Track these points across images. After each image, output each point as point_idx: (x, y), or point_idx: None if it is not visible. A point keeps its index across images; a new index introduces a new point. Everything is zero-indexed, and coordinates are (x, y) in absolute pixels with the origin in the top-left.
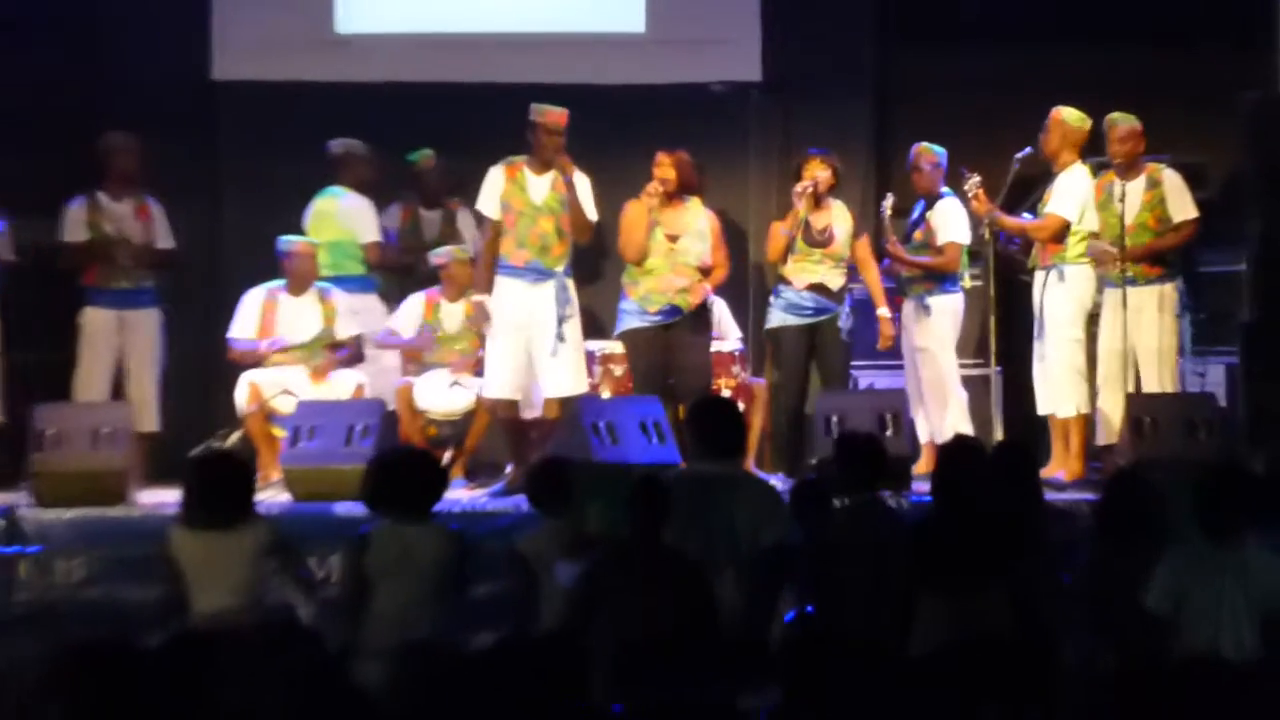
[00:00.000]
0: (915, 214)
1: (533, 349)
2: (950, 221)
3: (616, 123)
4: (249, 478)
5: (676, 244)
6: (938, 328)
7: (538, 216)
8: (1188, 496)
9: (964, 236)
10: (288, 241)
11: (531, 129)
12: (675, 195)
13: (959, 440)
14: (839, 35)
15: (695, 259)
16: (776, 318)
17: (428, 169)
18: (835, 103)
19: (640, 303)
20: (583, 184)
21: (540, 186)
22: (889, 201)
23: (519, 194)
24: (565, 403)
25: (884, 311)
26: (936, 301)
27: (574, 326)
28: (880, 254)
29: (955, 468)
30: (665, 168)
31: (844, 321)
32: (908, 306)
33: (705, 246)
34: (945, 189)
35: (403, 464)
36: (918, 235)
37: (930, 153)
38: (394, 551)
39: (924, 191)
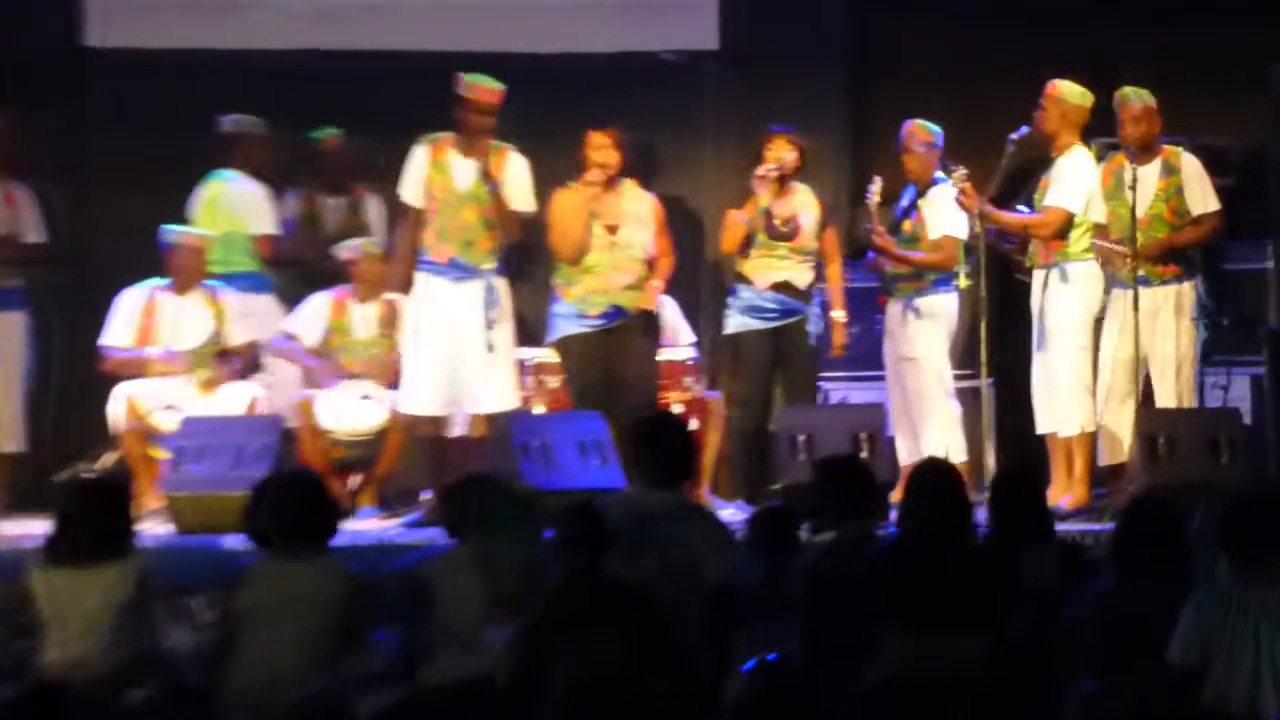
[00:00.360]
0: (905, 201)
1: (457, 358)
2: (945, 212)
3: (552, 98)
4: (127, 507)
5: (617, 235)
6: (928, 333)
7: (462, 205)
8: (1213, 529)
9: (961, 229)
10: (172, 233)
11: (459, 104)
12: (611, 179)
13: (930, 463)
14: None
15: (640, 250)
16: (735, 322)
17: (332, 150)
18: (803, 75)
19: (577, 305)
20: (519, 169)
21: (467, 171)
22: (875, 187)
23: (442, 178)
24: (494, 420)
25: (839, 315)
26: (927, 303)
27: (504, 333)
28: (861, 248)
29: (924, 493)
30: (606, 150)
31: (813, 325)
32: (893, 308)
33: (648, 234)
34: (940, 174)
35: (287, 490)
36: (907, 226)
37: (924, 131)
38: (273, 590)
39: (915, 176)
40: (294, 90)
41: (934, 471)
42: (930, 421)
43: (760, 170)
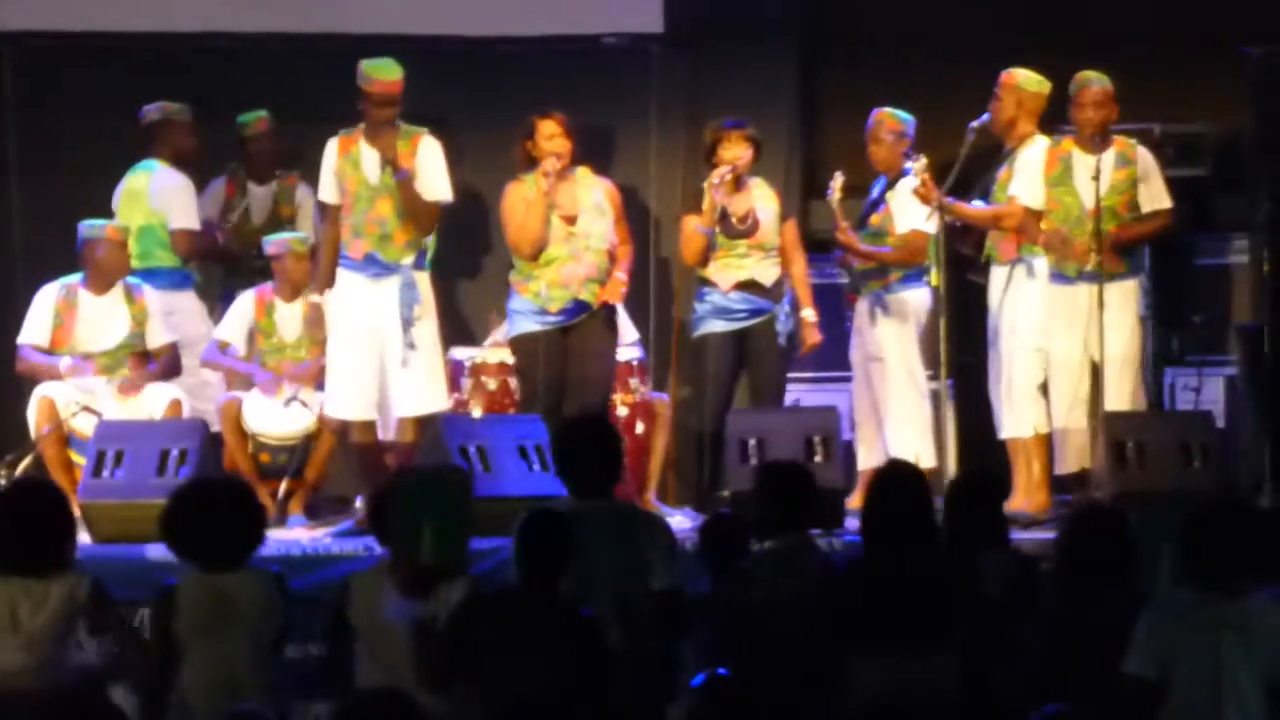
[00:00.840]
0: (874, 194)
1: (379, 359)
2: (914, 205)
3: (487, 84)
4: (69, 519)
5: (575, 226)
6: (897, 332)
7: (375, 198)
8: (1176, 536)
9: (931, 224)
10: (90, 227)
11: (360, 96)
12: (564, 168)
13: (892, 467)
14: None
15: (599, 241)
16: (702, 325)
17: (259, 135)
18: (753, 59)
19: (536, 300)
20: (433, 155)
21: (375, 160)
22: (837, 181)
23: (353, 172)
24: (422, 423)
25: (808, 314)
26: (896, 300)
27: (426, 330)
28: (822, 242)
29: (888, 501)
30: (557, 138)
31: (782, 323)
32: (861, 306)
33: (607, 224)
34: (910, 165)
35: (209, 498)
36: (874, 220)
37: (893, 120)
38: (209, 605)
39: (884, 167)
40: (221, 74)
41: (898, 476)
42: (899, 425)
43: (715, 176)
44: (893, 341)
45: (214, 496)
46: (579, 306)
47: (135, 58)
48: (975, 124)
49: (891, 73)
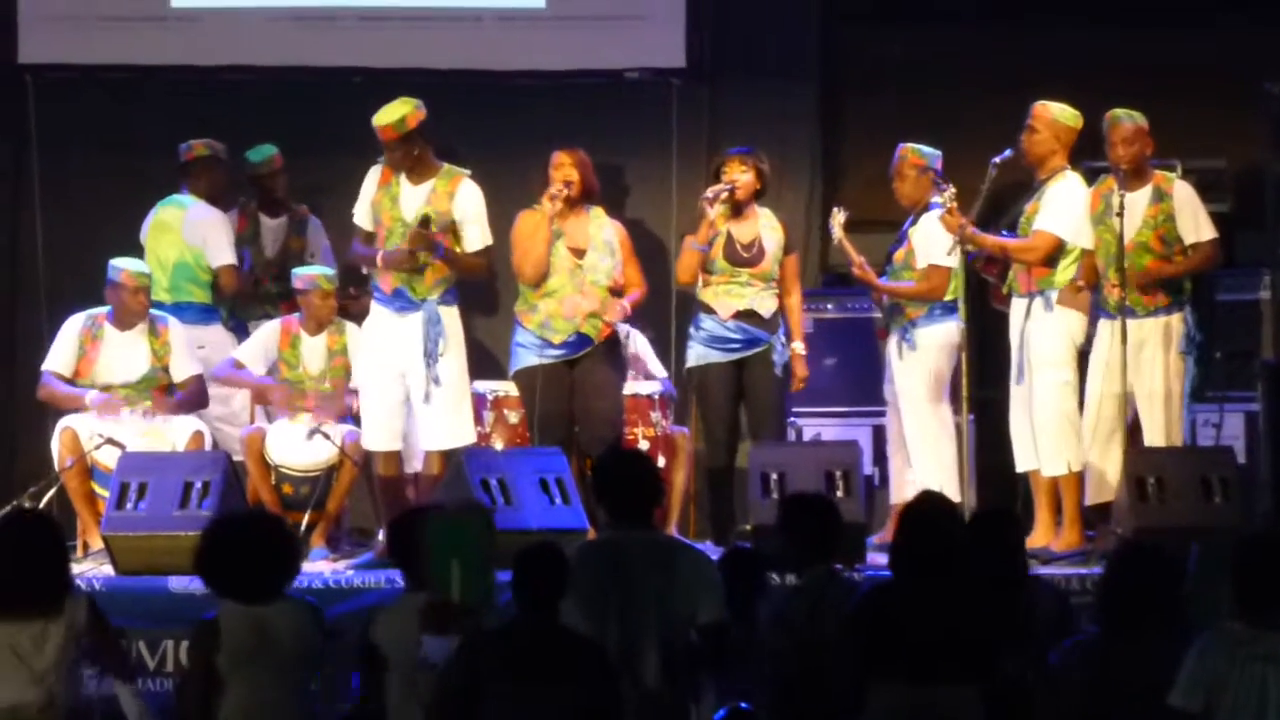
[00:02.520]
0: (904, 229)
1: (409, 392)
2: (933, 240)
3: (508, 119)
4: (63, 549)
5: (583, 260)
6: (922, 367)
7: (405, 233)
8: (1216, 572)
9: (952, 258)
10: (114, 269)
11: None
12: (577, 202)
13: (924, 498)
14: (778, 13)
15: (605, 276)
16: (696, 354)
17: (272, 170)
18: (772, 94)
19: (539, 332)
20: (472, 201)
21: (414, 198)
22: (839, 218)
23: (389, 205)
24: (447, 457)
25: (798, 346)
26: (924, 335)
27: (451, 365)
28: (844, 276)
29: (918, 531)
30: (567, 168)
31: (779, 354)
32: (891, 342)
33: (614, 262)
34: (937, 199)
35: (242, 532)
36: (898, 256)
37: (916, 155)
38: (249, 637)
39: (909, 203)
40: (234, 107)
41: (929, 508)
42: (923, 460)
43: (709, 192)
44: (918, 377)
45: (247, 530)
46: (582, 340)
47: (156, 91)
48: (998, 159)
49: (911, 106)
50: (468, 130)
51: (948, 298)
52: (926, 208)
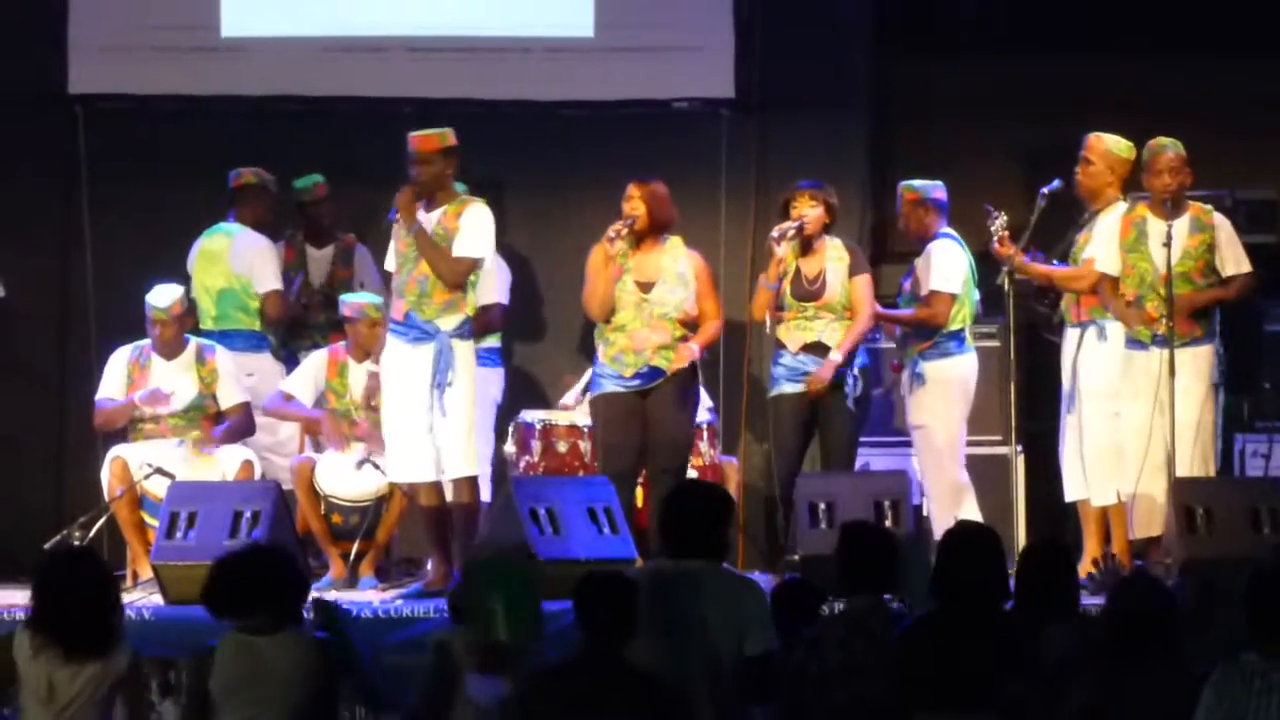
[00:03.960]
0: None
1: (420, 424)
2: (935, 266)
3: (557, 148)
4: (109, 595)
5: (650, 293)
6: (934, 399)
7: (419, 259)
8: (1241, 601)
9: (953, 284)
10: (150, 303)
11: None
12: (649, 234)
13: (962, 527)
14: (827, 43)
15: (674, 309)
16: (776, 386)
17: (317, 198)
18: (822, 124)
19: (613, 365)
20: (475, 218)
21: (426, 224)
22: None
23: (404, 233)
24: (463, 485)
25: (835, 355)
26: (934, 367)
27: (458, 397)
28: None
29: (955, 561)
30: (634, 201)
31: (850, 387)
32: (905, 374)
33: (686, 294)
34: (945, 230)
35: (248, 562)
36: (908, 286)
37: (909, 191)
38: (242, 666)
39: (915, 237)
40: (282, 137)
41: (967, 536)
42: (936, 492)
43: (776, 230)
44: (928, 409)
45: (249, 563)
46: (653, 372)
47: (205, 121)
48: (1047, 190)
49: (962, 136)
50: (515, 161)
51: (953, 326)
52: (933, 237)
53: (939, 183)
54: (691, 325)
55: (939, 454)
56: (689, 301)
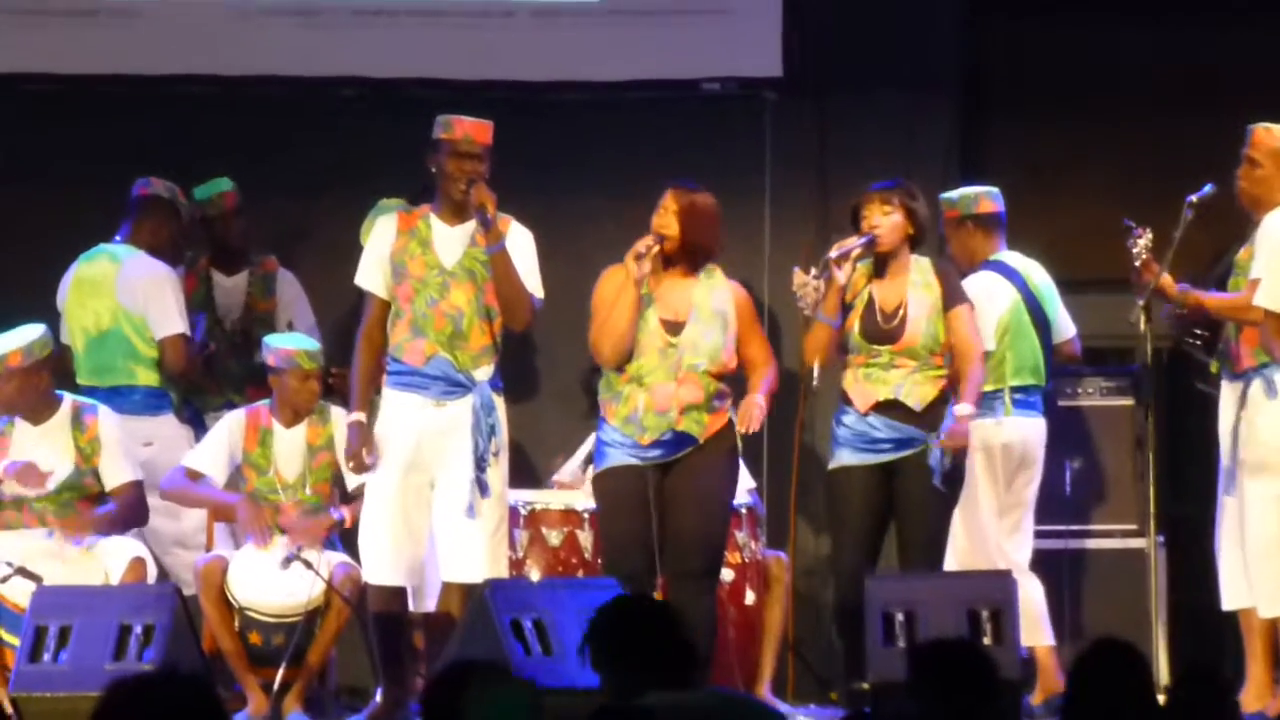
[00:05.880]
0: None
1: (438, 505)
2: (965, 314)
3: (552, 144)
4: None
5: (679, 336)
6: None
7: (449, 285)
8: None
9: (984, 338)
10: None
11: (435, 150)
12: (681, 259)
13: (1103, 646)
14: (903, 6)
15: (708, 360)
16: (839, 454)
17: (224, 210)
18: (896, 111)
19: (625, 429)
20: (523, 242)
21: (453, 242)
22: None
23: (420, 251)
24: (456, 592)
25: (963, 409)
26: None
27: (500, 473)
28: None
29: (1097, 690)
30: (667, 215)
31: (935, 459)
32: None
33: (724, 339)
34: (997, 256)
35: (140, 695)
36: None
37: (948, 206)
38: None
39: (960, 263)
40: (183, 129)
41: (1109, 659)
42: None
43: (834, 250)
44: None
45: (145, 697)
46: (680, 440)
47: (83, 106)
48: (1195, 198)
49: (1076, 127)
50: (498, 161)
51: (989, 387)
52: (975, 268)
53: (989, 190)
54: (727, 380)
55: (953, 544)
56: (727, 350)
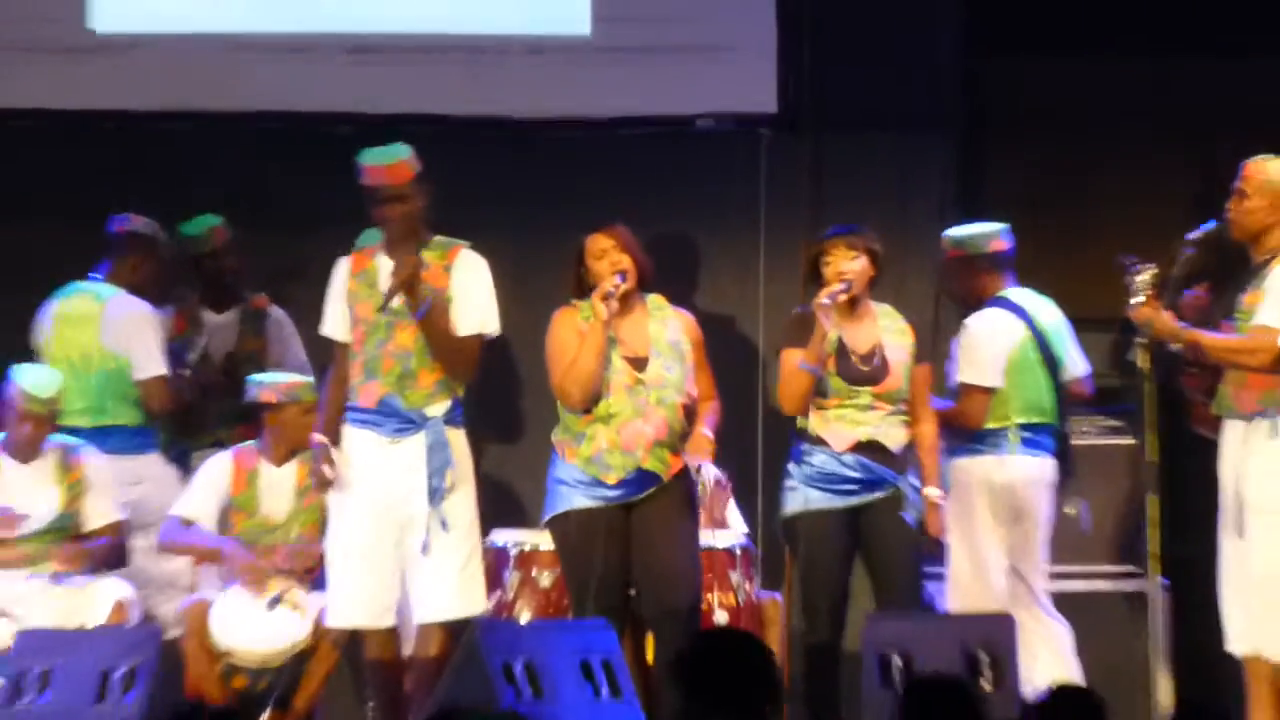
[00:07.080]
0: None
1: (405, 545)
2: (965, 350)
3: (541, 181)
4: None
5: (645, 372)
6: (955, 505)
7: (395, 326)
8: None
9: (986, 375)
10: (26, 392)
11: (365, 192)
12: (631, 294)
13: (1062, 695)
14: (902, 45)
15: (674, 393)
16: (800, 497)
17: (214, 247)
18: (894, 150)
19: (586, 469)
20: (472, 273)
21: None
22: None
23: (368, 294)
24: (451, 632)
25: (932, 492)
26: (958, 467)
27: (462, 506)
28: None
29: None
30: (614, 254)
31: (911, 501)
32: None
33: (684, 370)
34: (1004, 293)
35: None
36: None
37: (951, 245)
38: None
39: (963, 303)
40: (171, 163)
41: (1068, 707)
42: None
43: (824, 295)
44: (952, 519)
45: None
46: (644, 478)
47: (67, 142)
48: (1194, 235)
49: (1072, 164)
50: (485, 198)
51: (992, 424)
52: (976, 307)
53: (998, 229)
54: (690, 411)
55: (956, 583)
56: (689, 380)
